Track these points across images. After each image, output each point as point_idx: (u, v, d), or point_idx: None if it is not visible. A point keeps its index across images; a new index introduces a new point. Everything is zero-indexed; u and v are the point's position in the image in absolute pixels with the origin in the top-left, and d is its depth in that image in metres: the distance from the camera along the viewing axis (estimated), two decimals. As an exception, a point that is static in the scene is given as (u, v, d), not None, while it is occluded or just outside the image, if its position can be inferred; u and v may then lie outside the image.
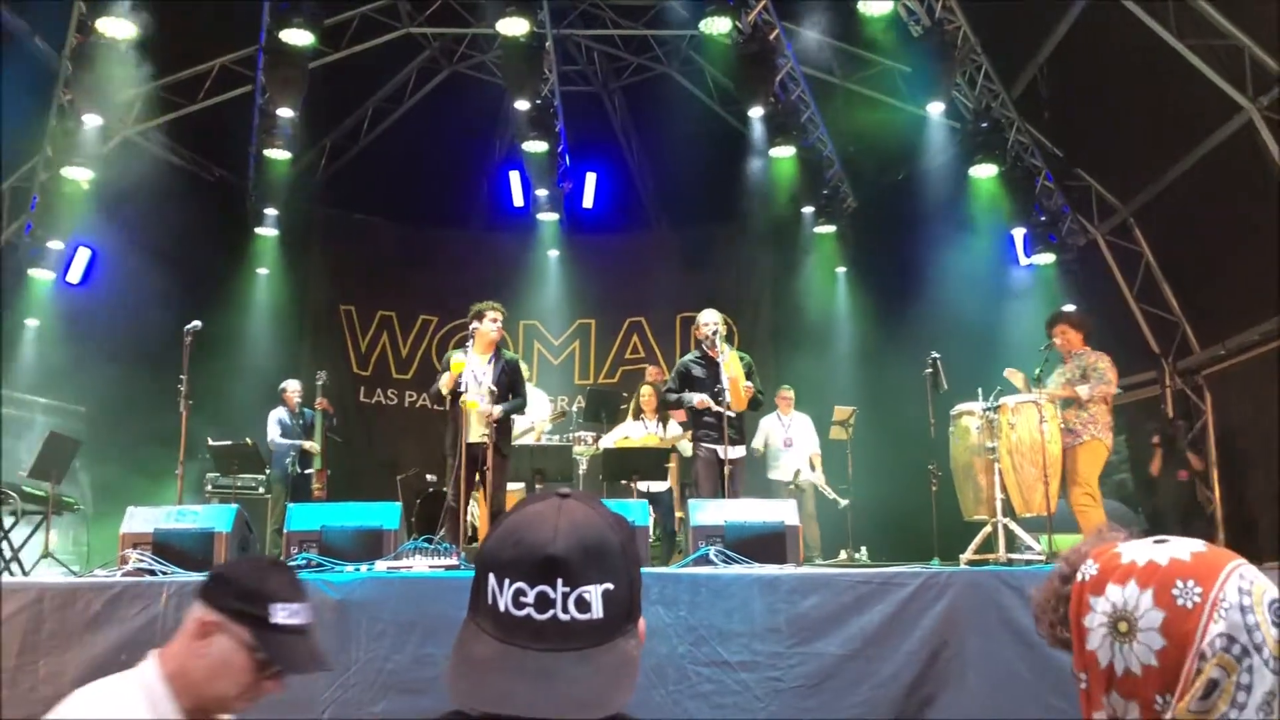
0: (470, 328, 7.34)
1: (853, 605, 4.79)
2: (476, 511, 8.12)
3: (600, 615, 1.17)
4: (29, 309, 11.31)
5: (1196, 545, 1.33)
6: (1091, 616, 1.33)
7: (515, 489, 9.06)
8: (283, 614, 2.07)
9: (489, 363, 7.40)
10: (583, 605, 1.16)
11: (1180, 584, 1.28)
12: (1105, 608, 1.32)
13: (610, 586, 1.18)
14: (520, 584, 1.17)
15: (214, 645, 2.03)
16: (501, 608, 1.18)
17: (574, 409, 9.99)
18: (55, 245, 10.90)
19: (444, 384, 7.14)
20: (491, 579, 1.19)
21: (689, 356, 8.08)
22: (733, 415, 7.57)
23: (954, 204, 11.35)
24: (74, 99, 10.24)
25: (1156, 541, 1.36)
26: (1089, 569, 1.37)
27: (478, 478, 7.23)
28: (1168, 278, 10.57)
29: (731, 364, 7.65)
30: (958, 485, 7.42)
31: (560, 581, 1.16)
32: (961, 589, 4.80)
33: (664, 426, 9.60)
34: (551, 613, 1.16)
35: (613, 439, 9.61)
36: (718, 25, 10.88)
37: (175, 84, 12.01)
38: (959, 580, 4.84)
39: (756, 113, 11.81)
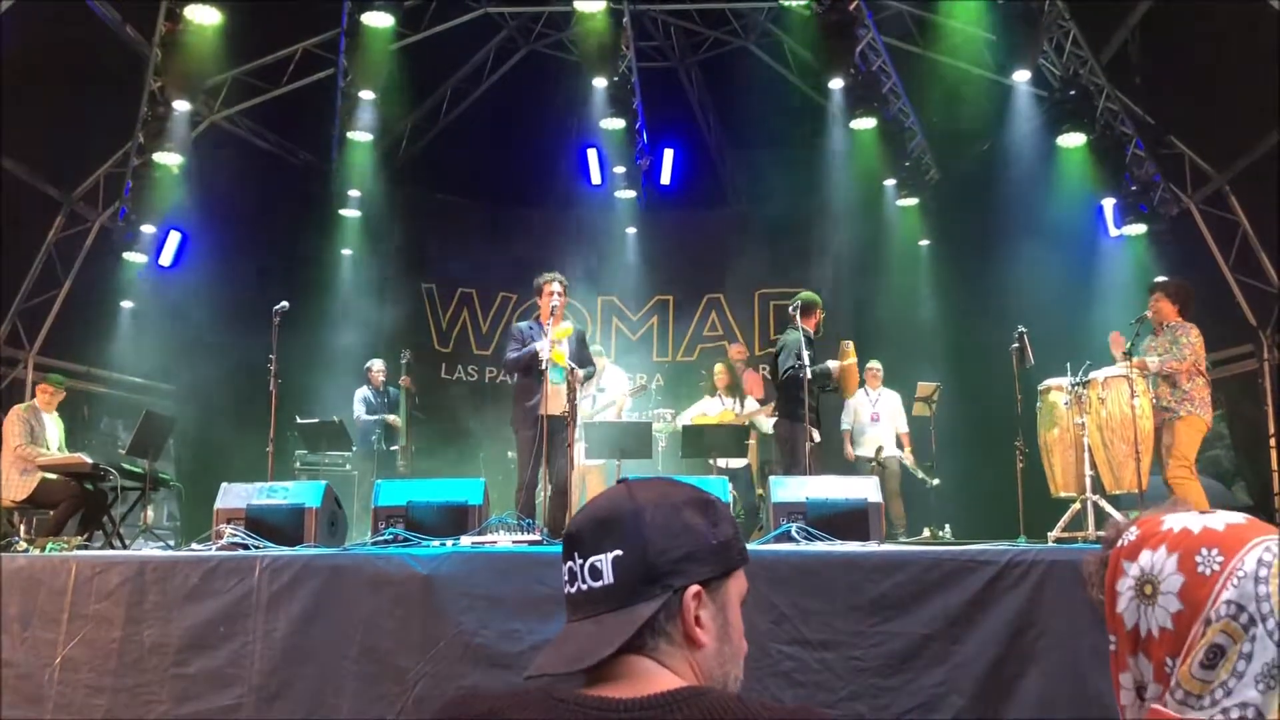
0: (552, 302, 7.32)
1: (936, 584, 4.71)
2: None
3: (611, 580, 1.27)
4: (124, 292, 11.68)
5: (1236, 518, 1.34)
6: (1123, 580, 1.36)
7: (594, 465, 9.13)
8: None
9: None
10: (595, 573, 1.28)
11: (1205, 551, 1.29)
12: (1135, 571, 1.34)
13: (619, 553, 1.28)
14: (562, 567, 1.34)
15: None
16: (564, 592, 1.34)
17: (653, 385, 9.97)
18: (148, 229, 11.15)
19: (543, 349, 7.06)
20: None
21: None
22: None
23: (1040, 174, 11.07)
24: (164, 86, 10.47)
25: (1204, 512, 1.37)
26: (1129, 535, 1.39)
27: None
28: (1266, 247, 10.20)
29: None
30: (1045, 462, 7.29)
31: (576, 554, 1.30)
32: (1048, 568, 4.70)
33: (741, 403, 9.57)
34: (578, 584, 1.30)
35: (689, 416, 9.61)
36: (796, -4, 10.75)
37: (260, 69, 12.26)
38: (1046, 559, 4.73)
39: (837, 85, 11.61)
